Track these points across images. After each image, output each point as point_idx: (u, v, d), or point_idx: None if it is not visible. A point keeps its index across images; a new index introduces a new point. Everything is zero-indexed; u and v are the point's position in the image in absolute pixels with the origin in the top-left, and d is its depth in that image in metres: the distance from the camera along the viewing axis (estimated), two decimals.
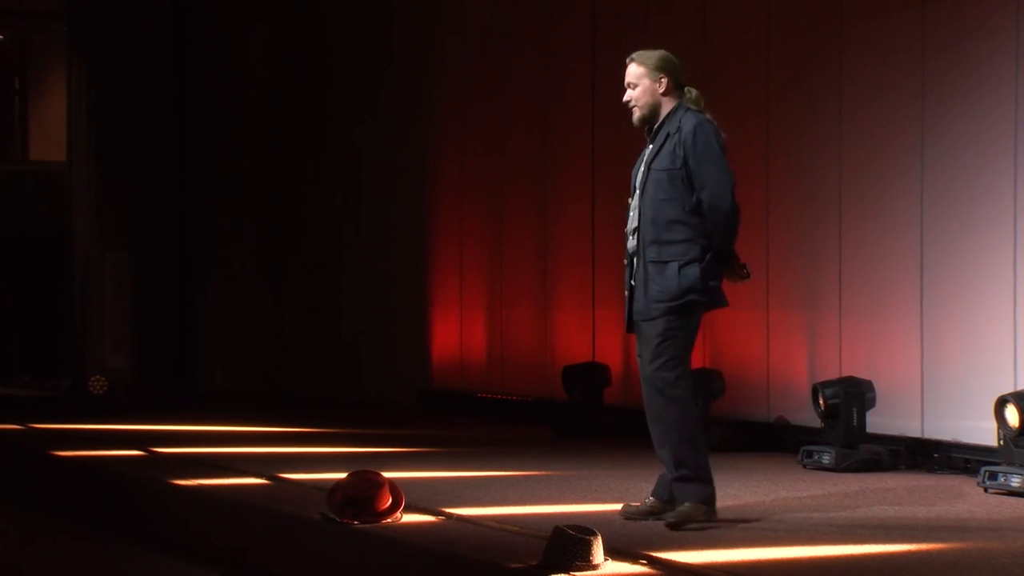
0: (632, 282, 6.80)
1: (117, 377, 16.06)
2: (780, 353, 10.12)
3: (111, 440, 10.87)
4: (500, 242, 12.95)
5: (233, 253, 17.33)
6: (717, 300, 6.77)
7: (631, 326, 6.83)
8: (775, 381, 10.15)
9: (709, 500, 6.73)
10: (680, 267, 6.65)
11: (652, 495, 6.92)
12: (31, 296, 18.82)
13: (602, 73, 11.61)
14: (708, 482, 6.73)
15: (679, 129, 6.71)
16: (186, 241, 18.00)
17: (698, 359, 10.58)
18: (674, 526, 6.63)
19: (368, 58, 14.93)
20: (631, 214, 6.84)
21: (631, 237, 6.81)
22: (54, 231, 18.19)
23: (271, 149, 16.59)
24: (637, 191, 6.79)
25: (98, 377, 14.93)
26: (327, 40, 15.57)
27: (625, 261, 6.88)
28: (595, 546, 5.77)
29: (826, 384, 9.19)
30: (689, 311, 6.69)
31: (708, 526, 6.66)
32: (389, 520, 6.88)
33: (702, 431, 6.80)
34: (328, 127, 15.53)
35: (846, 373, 9.40)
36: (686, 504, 6.68)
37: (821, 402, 9.13)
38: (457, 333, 13.52)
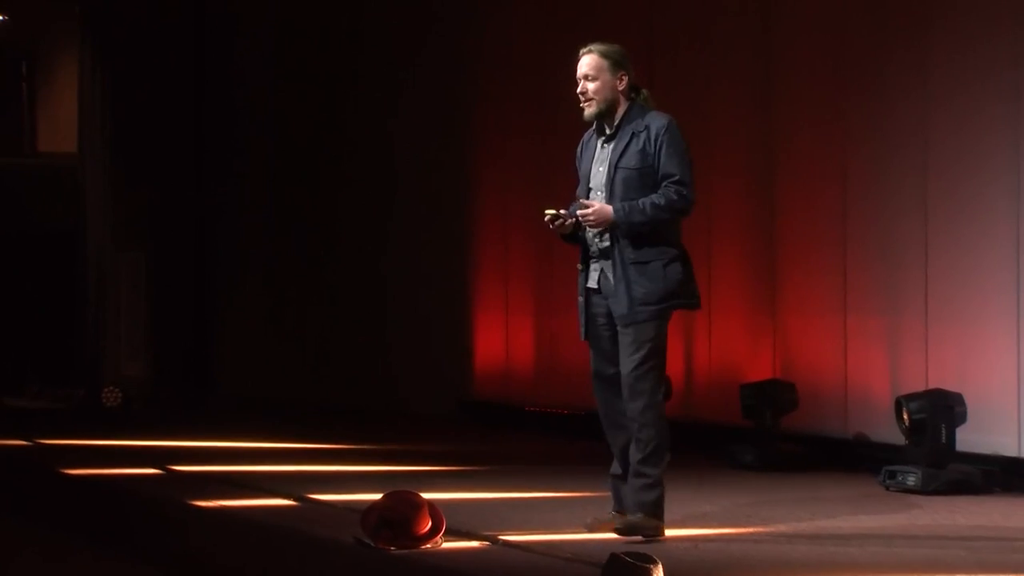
0: (593, 285, 7.05)
1: (133, 386, 16.05)
2: (859, 362, 10.02)
3: (126, 457, 10.92)
4: (549, 244, 12.78)
5: (256, 254, 17.28)
6: (694, 302, 7.11)
7: (587, 334, 7.16)
8: (853, 393, 10.05)
9: (662, 512, 6.97)
10: (664, 266, 6.95)
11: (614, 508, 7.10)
12: (42, 299, 18.83)
13: (658, 69, 11.48)
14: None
15: (647, 128, 7.00)
16: (205, 241, 17.97)
17: (768, 369, 10.59)
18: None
19: (400, 44, 14.84)
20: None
21: (598, 238, 7.00)
22: (65, 229, 18.15)
23: (297, 143, 16.54)
24: (600, 192, 7.01)
25: (111, 388, 14.92)
26: (356, 23, 15.52)
27: (580, 266, 7.11)
28: (655, 575, 5.69)
29: (911, 397, 9.11)
30: (669, 314, 7.01)
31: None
32: (429, 545, 6.88)
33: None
34: (359, 119, 15.47)
35: (933, 385, 9.30)
36: (639, 514, 6.91)
37: (905, 417, 9.06)
38: (502, 341, 13.45)
